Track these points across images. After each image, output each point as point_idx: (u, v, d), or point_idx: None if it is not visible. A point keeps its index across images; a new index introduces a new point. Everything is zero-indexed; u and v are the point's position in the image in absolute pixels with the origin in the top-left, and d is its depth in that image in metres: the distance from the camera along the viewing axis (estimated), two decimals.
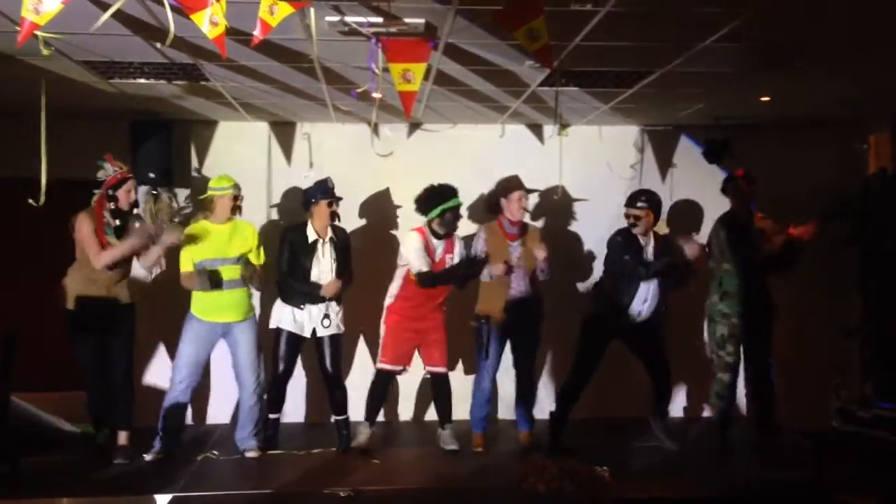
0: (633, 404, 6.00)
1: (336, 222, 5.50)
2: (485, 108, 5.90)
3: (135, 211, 5.24)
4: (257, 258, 5.41)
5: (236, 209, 5.36)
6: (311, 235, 5.40)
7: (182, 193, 6.35)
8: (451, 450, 5.46)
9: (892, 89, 5.30)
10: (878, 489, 4.33)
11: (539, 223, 6.35)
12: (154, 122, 6.06)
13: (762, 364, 5.49)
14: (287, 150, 6.48)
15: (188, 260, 5.24)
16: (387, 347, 5.50)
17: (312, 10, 3.56)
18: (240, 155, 6.35)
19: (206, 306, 5.23)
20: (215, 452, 5.40)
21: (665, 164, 6.66)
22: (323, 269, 5.38)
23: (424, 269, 5.32)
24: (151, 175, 6.00)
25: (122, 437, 5.27)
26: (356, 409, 5.63)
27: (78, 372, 5.23)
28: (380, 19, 3.75)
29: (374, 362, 5.74)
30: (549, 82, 5.06)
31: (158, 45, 4.15)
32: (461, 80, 5.04)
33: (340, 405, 5.53)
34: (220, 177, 5.42)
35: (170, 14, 3.35)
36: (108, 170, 5.10)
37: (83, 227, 5.02)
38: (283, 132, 6.48)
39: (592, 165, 6.54)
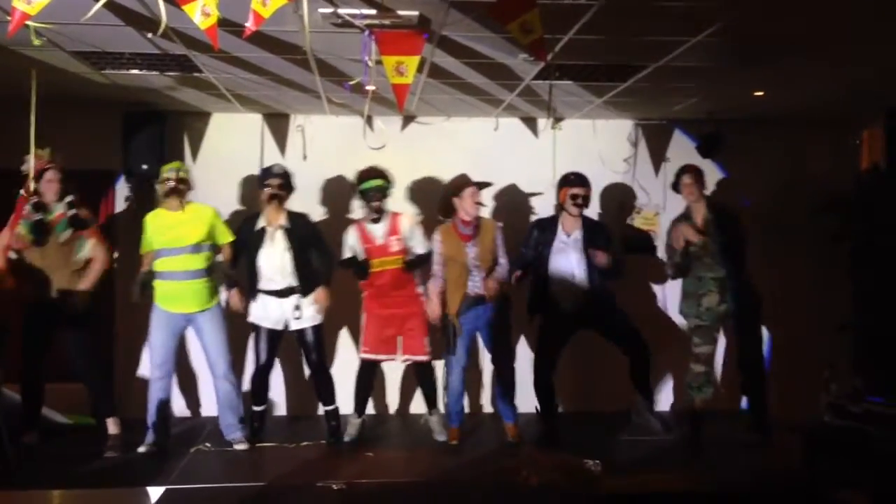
0: (623, 398, 6.00)
1: (273, 205, 5.29)
2: (479, 102, 5.90)
3: (67, 198, 5.10)
4: (223, 237, 5.29)
5: (172, 192, 5.14)
6: (260, 223, 5.35)
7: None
8: (439, 440, 5.52)
9: (885, 85, 5.31)
10: (869, 484, 4.35)
11: (533, 217, 6.34)
12: (147, 114, 6.03)
13: (752, 357, 5.51)
14: (280, 142, 6.46)
15: (146, 244, 5.19)
16: (366, 336, 5.52)
17: (305, 2, 3.54)
18: (232, 147, 6.35)
19: (165, 296, 5.18)
20: (208, 445, 5.38)
21: (658, 158, 6.67)
22: (272, 257, 5.29)
23: (343, 257, 5.47)
24: (144, 166, 5.97)
25: (112, 426, 5.26)
26: (345, 402, 5.61)
27: (68, 363, 5.23)
28: (373, 11, 3.74)
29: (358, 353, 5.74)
30: (542, 76, 5.05)
31: (150, 35, 4.13)
32: (455, 73, 5.03)
33: (327, 395, 5.51)
34: (169, 163, 5.35)
35: (162, 4, 3.34)
36: (29, 162, 5.04)
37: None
38: (277, 124, 6.47)
39: (586, 159, 6.52)
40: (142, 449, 5.16)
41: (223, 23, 3.65)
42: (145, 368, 6.15)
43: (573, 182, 5.50)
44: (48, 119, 5.06)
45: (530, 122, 6.63)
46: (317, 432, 5.61)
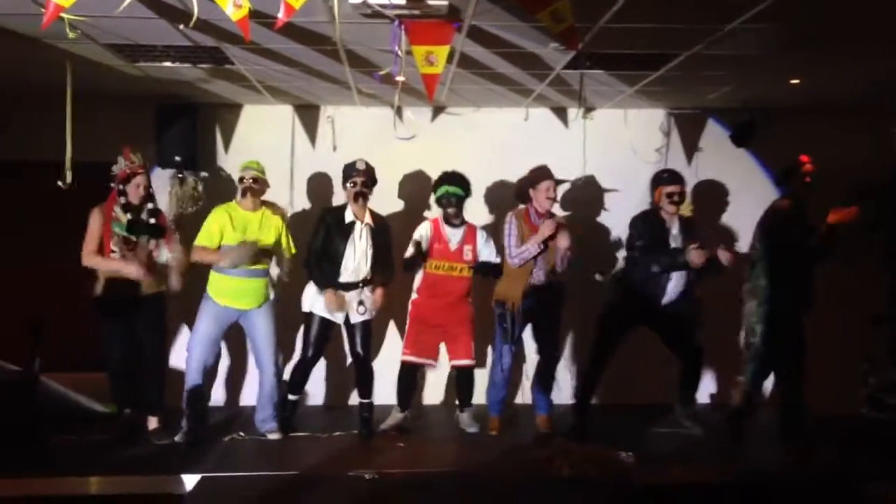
0: (655, 390, 5.97)
1: (359, 203, 5.33)
2: (508, 92, 5.87)
3: (149, 205, 5.18)
4: (288, 250, 5.43)
5: (247, 191, 5.28)
6: (349, 217, 5.35)
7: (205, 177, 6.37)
8: (471, 432, 5.54)
9: None
10: None
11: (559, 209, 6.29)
12: (179, 106, 6.09)
13: (793, 357, 5.41)
14: (311, 133, 6.49)
15: (211, 236, 5.21)
16: (409, 340, 5.57)
17: None
18: (264, 138, 6.38)
19: (223, 290, 5.23)
20: (242, 434, 5.43)
21: (691, 147, 6.59)
22: (358, 253, 5.33)
23: (406, 255, 5.40)
24: (177, 158, 6.03)
25: (153, 423, 5.32)
26: (381, 394, 5.63)
27: (93, 353, 5.30)
28: (403, 1, 3.74)
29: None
30: (573, 65, 5.02)
31: (182, 27, 4.16)
32: (485, 63, 5.01)
33: (366, 388, 5.53)
34: (246, 161, 5.43)
35: None
36: (121, 164, 5.11)
37: (91, 221, 5.09)
38: (307, 115, 6.49)
39: (617, 149, 6.49)
40: (178, 438, 5.23)
41: (254, 14, 3.68)
42: (180, 359, 6.22)
43: (667, 180, 5.43)
44: (83, 111, 5.13)
45: (560, 113, 6.58)
46: (349, 422, 5.64)
